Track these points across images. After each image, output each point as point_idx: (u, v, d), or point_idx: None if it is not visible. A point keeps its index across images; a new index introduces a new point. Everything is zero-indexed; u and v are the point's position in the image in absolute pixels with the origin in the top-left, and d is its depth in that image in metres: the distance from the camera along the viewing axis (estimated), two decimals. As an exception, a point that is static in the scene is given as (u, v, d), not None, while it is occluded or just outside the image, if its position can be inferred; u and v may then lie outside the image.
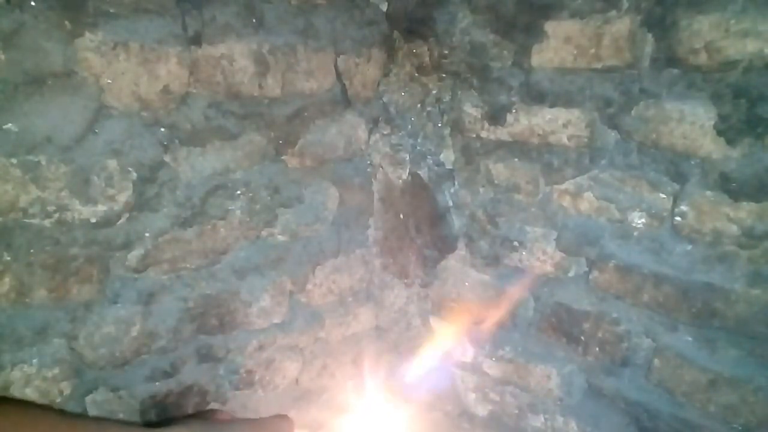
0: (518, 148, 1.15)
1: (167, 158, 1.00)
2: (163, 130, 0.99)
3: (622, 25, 0.95)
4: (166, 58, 0.95)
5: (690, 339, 0.99)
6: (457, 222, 1.28)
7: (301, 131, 1.16)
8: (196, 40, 0.98)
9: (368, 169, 1.32)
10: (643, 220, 1.01)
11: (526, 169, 1.14)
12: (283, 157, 1.16)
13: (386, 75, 1.28)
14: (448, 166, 1.27)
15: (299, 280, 1.23)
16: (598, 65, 1.00)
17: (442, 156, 1.27)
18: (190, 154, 1.03)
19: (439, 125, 1.26)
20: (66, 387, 0.96)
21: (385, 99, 1.30)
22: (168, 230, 1.02)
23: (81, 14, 0.87)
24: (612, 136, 1.02)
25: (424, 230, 1.32)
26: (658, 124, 0.96)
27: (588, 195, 1.07)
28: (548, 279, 1.16)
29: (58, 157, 0.88)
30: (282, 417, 0.98)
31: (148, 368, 1.05)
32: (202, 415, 1.02)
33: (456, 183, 1.27)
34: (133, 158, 0.96)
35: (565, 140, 1.07)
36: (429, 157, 1.29)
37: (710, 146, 0.91)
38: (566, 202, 1.10)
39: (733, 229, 0.90)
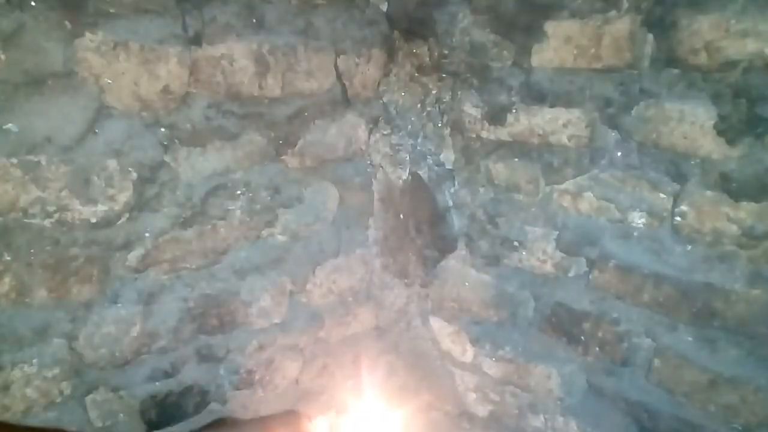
0: (518, 148, 1.15)
1: (167, 158, 1.00)
2: (163, 130, 0.99)
3: (622, 25, 0.95)
4: (166, 58, 0.95)
5: (690, 339, 0.99)
6: (457, 222, 1.28)
7: (301, 131, 1.16)
8: (197, 40, 0.98)
9: (368, 169, 1.32)
10: (643, 220, 1.01)
11: (526, 169, 1.14)
12: (283, 158, 1.16)
13: (386, 75, 1.28)
14: (448, 166, 1.27)
15: (299, 280, 1.23)
16: (599, 65, 1.00)
17: (442, 156, 1.27)
18: (190, 154, 1.03)
19: (439, 125, 1.26)
20: (66, 387, 0.96)
21: (385, 99, 1.30)
22: (168, 230, 1.02)
23: (81, 14, 0.87)
24: (612, 136, 1.02)
25: (424, 230, 1.32)
26: (658, 124, 0.96)
27: (588, 195, 1.07)
28: (548, 279, 1.16)
29: (58, 157, 0.88)
30: (291, 412, 0.97)
31: (148, 368, 1.05)
32: (213, 425, 1.02)
33: (456, 183, 1.27)
34: (133, 158, 0.96)
35: (565, 140, 1.07)
36: (429, 157, 1.29)
37: (710, 146, 0.91)
38: (566, 202, 1.10)
39: (733, 229, 0.90)
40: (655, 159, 0.98)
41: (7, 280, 0.88)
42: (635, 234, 1.02)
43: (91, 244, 0.95)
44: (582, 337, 1.12)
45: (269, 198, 1.15)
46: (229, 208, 1.09)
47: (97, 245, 0.95)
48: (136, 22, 0.92)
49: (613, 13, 0.96)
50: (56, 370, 0.95)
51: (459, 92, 1.21)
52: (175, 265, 1.05)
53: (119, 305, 0.99)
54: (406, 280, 1.38)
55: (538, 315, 1.19)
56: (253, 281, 1.15)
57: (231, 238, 1.11)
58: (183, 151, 1.02)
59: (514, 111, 1.12)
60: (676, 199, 0.96)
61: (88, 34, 0.88)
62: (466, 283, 1.28)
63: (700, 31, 0.88)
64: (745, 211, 0.89)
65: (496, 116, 1.15)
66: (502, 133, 1.16)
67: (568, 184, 1.09)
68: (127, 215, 0.97)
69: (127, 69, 0.92)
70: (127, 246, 0.98)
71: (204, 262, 1.08)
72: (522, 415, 1.23)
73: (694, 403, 0.98)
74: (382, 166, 1.33)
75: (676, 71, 0.93)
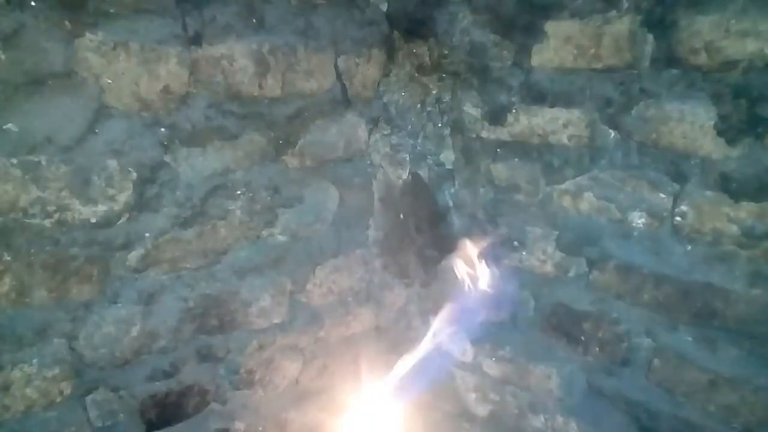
0: (518, 148, 1.15)
1: (167, 158, 1.00)
2: (163, 130, 0.99)
3: (622, 25, 0.95)
4: (166, 58, 0.95)
5: (690, 339, 0.99)
6: (457, 222, 1.28)
7: (301, 131, 1.16)
8: (197, 40, 0.98)
9: (368, 169, 1.32)
10: (643, 220, 1.01)
11: (526, 169, 1.14)
12: (283, 157, 1.16)
13: (386, 75, 1.28)
14: (448, 166, 1.27)
15: (299, 280, 1.23)
16: (598, 65, 1.00)
17: (442, 156, 1.27)
18: (190, 154, 1.03)
19: (439, 125, 1.26)
20: (66, 387, 0.96)
21: (385, 99, 1.30)
22: (168, 230, 1.02)
23: (81, 14, 0.87)
24: (612, 136, 1.02)
25: (424, 230, 1.32)
26: (658, 124, 0.96)
27: (588, 195, 1.07)
28: (548, 279, 1.16)
29: (59, 157, 0.88)
30: None
31: (148, 368, 1.05)
32: None
33: (456, 183, 1.27)
34: (133, 158, 0.96)
35: (565, 140, 1.07)
36: (429, 157, 1.29)
37: (710, 146, 0.91)
38: (566, 202, 1.10)
39: (733, 229, 0.90)
40: (655, 159, 0.98)
41: (7, 280, 0.88)
42: (635, 234, 1.02)
43: (91, 244, 0.95)
44: (582, 337, 1.12)
45: (269, 198, 1.15)
46: (229, 208, 1.09)
47: (97, 245, 0.95)
48: (136, 22, 0.92)
49: (613, 13, 0.96)
50: (56, 370, 0.95)
51: (459, 92, 1.21)
52: (175, 265, 1.05)
53: (119, 305, 0.99)
54: (406, 280, 1.38)
55: (538, 315, 1.19)
56: (253, 281, 1.15)
57: (231, 238, 1.11)
58: (183, 151, 1.02)
59: (514, 111, 1.12)
60: (676, 199, 0.96)
61: (88, 34, 0.88)
62: (466, 283, 1.28)
63: (700, 31, 0.88)
64: (745, 211, 0.89)
65: (496, 116, 1.15)
66: (502, 133, 1.16)
67: (568, 184, 1.09)
68: (127, 215, 0.97)
69: (127, 69, 0.92)
70: (127, 246, 0.98)
71: (204, 262, 1.08)
72: (522, 415, 1.23)
73: (694, 403, 0.98)
74: (382, 166, 1.33)
75: (676, 71, 0.93)
